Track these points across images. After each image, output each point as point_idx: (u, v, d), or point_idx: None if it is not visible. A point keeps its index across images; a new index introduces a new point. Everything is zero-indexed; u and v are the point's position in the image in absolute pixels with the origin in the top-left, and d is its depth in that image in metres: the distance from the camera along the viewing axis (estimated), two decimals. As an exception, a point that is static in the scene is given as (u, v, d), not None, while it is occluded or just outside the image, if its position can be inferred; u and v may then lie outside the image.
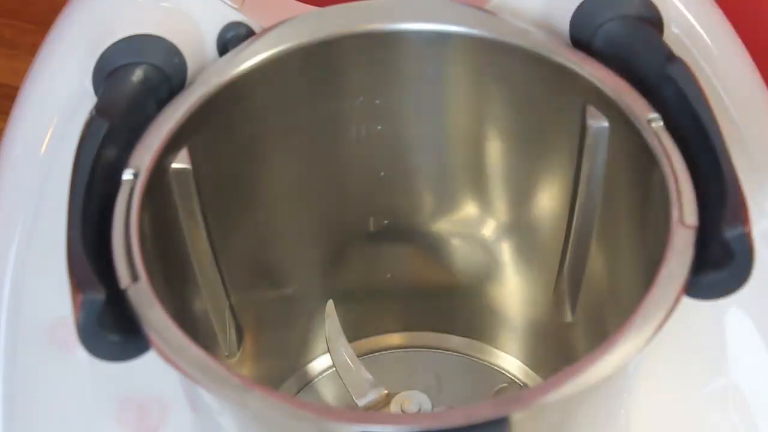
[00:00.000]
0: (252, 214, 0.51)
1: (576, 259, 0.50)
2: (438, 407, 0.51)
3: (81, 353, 0.37)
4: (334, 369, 0.53)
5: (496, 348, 0.60)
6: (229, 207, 0.50)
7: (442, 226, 0.56)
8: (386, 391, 0.51)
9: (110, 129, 0.41)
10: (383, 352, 0.60)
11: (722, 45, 0.51)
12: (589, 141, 0.45)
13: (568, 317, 0.53)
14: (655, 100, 0.42)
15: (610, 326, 0.49)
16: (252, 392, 0.34)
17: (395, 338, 0.61)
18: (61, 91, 0.50)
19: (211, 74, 0.46)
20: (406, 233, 0.56)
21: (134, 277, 0.37)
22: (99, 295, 0.35)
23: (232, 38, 0.48)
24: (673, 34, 0.48)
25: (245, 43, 0.47)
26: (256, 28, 0.48)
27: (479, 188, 0.54)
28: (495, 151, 0.52)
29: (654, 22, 0.46)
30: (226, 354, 0.52)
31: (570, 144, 0.47)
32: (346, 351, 0.53)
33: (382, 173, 0.53)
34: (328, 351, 0.53)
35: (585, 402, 0.39)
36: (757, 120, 0.51)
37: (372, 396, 0.51)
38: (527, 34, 0.46)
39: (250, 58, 0.46)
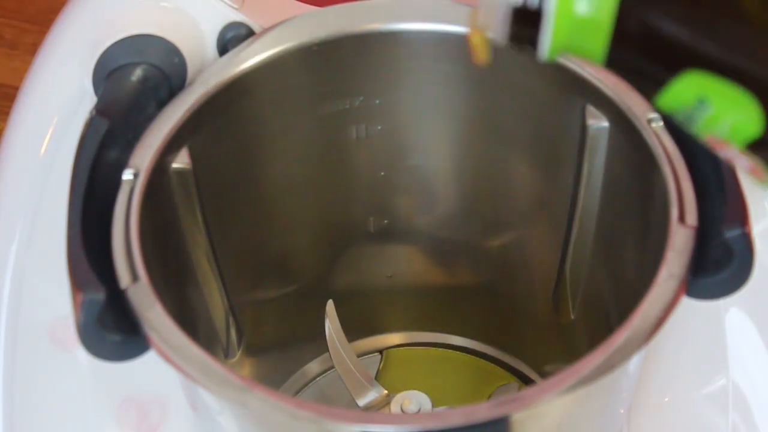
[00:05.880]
0: (252, 213, 0.51)
1: (576, 258, 0.50)
2: (438, 407, 0.51)
3: (81, 353, 0.37)
4: (334, 369, 0.53)
5: (497, 348, 0.59)
6: (229, 207, 0.50)
7: (442, 225, 0.56)
8: (386, 391, 0.51)
9: (110, 129, 0.41)
10: (383, 352, 0.60)
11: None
12: (589, 141, 0.45)
13: (569, 317, 0.53)
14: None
15: (611, 326, 0.49)
16: (252, 392, 0.34)
17: (395, 338, 0.61)
18: (61, 91, 0.50)
19: (211, 74, 0.46)
20: (406, 233, 0.56)
21: (134, 277, 0.37)
22: (99, 295, 0.35)
23: (232, 38, 0.48)
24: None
25: (245, 43, 0.47)
26: (256, 28, 0.48)
27: (479, 188, 0.54)
28: (494, 150, 0.52)
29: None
30: (226, 354, 0.52)
31: (570, 144, 0.47)
32: (346, 351, 0.53)
33: (382, 173, 0.53)
34: (328, 351, 0.53)
35: (585, 402, 0.39)
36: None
37: (372, 396, 0.51)
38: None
39: (250, 58, 0.46)
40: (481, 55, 0.37)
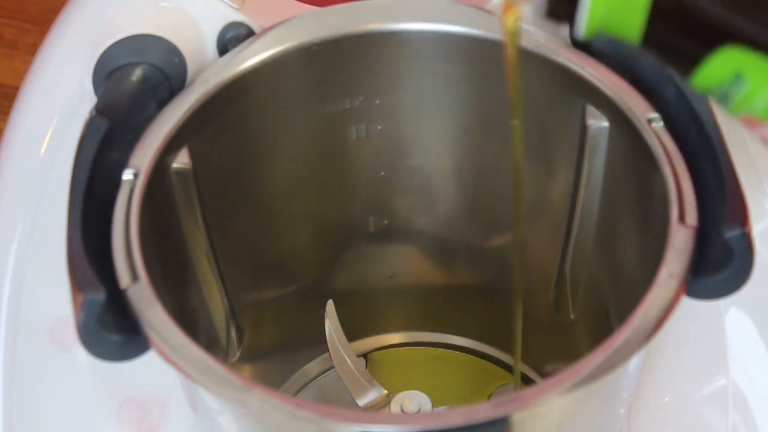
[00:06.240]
0: (252, 213, 0.51)
1: (576, 258, 0.50)
2: (438, 407, 0.51)
3: (81, 353, 0.37)
4: (334, 369, 0.53)
5: (496, 348, 0.59)
6: (229, 207, 0.50)
7: (442, 225, 0.56)
8: (386, 391, 0.51)
9: (110, 129, 0.41)
10: (383, 352, 0.60)
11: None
12: (589, 141, 0.45)
13: (569, 317, 0.53)
14: (655, 100, 0.42)
15: (611, 326, 0.49)
16: (252, 392, 0.34)
17: (395, 338, 0.61)
18: (61, 91, 0.50)
19: (211, 74, 0.46)
20: (406, 233, 0.56)
21: (134, 277, 0.37)
22: (99, 295, 0.35)
23: (232, 38, 0.48)
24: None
25: (245, 43, 0.47)
26: (256, 28, 0.48)
27: (479, 188, 0.54)
28: (495, 150, 0.52)
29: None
30: (226, 354, 0.52)
31: (570, 144, 0.47)
32: (346, 351, 0.53)
33: (382, 173, 0.53)
34: (328, 351, 0.53)
35: (585, 402, 0.39)
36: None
37: (372, 396, 0.51)
38: (527, 34, 0.46)
39: (250, 58, 0.46)
40: (513, 42, 0.37)
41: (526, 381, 0.58)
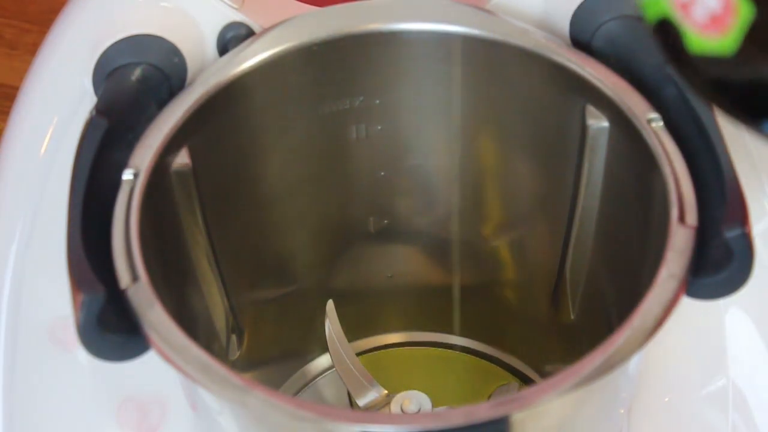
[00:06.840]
0: (252, 213, 0.51)
1: (576, 258, 0.50)
2: (438, 407, 0.51)
3: (81, 353, 0.37)
4: (334, 369, 0.53)
5: (496, 348, 0.60)
6: (229, 207, 0.50)
7: (442, 225, 0.56)
8: (386, 391, 0.51)
9: (110, 129, 0.41)
10: (383, 352, 0.60)
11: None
12: (589, 141, 0.45)
13: (569, 317, 0.53)
14: (655, 100, 0.42)
15: (611, 326, 0.49)
16: (252, 392, 0.34)
17: (395, 338, 0.61)
18: (61, 91, 0.50)
19: (211, 74, 0.46)
20: (406, 233, 0.56)
21: (134, 277, 0.37)
22: (99, 295, 0.35)
23: (232, 38, 0.48)
24: (673, 34, 0.48)
25: (245, 43, 0.47)
26: (256, 28, 0.48)
27: (479, 188, 0.54)
28: (495, 150, 0.52)
29: (654, 22, 0.46)
30: (226, 354, 0.52)
31: (570, 144, 0.47)
32: (346, 351, 0.52)
33: (382, 173, 0.53)
34: (328, 351, 0.53)
35: (585, 402, 0.39)
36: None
37: (372, 396, 0.51)
38: (527, 34, 0.46)
39: (250, 58, 0.46)
40: None
41: (526, 381, 0.58)
